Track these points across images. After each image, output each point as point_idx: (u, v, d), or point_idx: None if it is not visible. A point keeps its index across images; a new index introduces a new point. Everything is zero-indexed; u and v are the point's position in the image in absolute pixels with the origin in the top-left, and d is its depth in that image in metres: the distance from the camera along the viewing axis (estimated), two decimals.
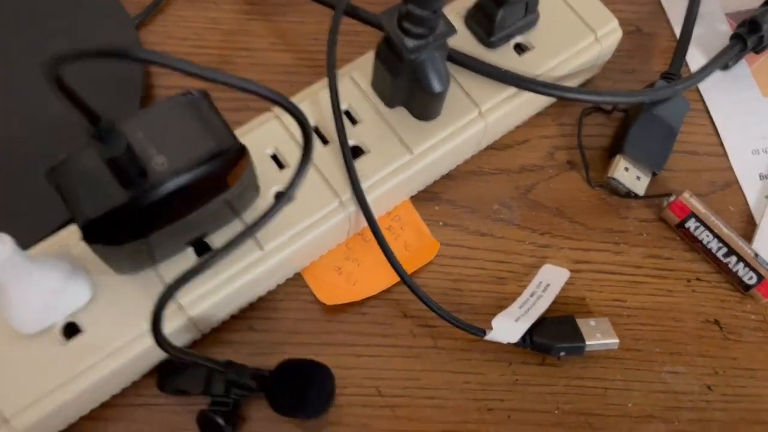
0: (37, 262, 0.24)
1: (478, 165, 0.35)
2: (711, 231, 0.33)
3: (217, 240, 0.28)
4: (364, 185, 0.29)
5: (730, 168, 0.36)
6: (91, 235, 0.23)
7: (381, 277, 0.32)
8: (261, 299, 0.31)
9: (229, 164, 0.24)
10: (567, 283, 0.33)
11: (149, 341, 0.25)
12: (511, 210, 0.34)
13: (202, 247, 0.28)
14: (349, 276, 0.32)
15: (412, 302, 0.32)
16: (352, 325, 0.32)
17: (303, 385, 0.28)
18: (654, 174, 0.35)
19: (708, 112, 0.38)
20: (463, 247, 0.34)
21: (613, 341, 0.31)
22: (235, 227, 0.28)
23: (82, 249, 0.27)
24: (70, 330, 0.26)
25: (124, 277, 0.27)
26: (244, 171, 0.26)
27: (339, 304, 0.31)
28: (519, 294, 0.32)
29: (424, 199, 0.34)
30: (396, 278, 0.32)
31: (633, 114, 0.35)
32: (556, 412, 0.31)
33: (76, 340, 0.26)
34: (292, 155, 0.30)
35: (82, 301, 0.26)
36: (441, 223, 0.34)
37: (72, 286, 0.26)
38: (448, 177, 0.35)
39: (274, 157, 0.30)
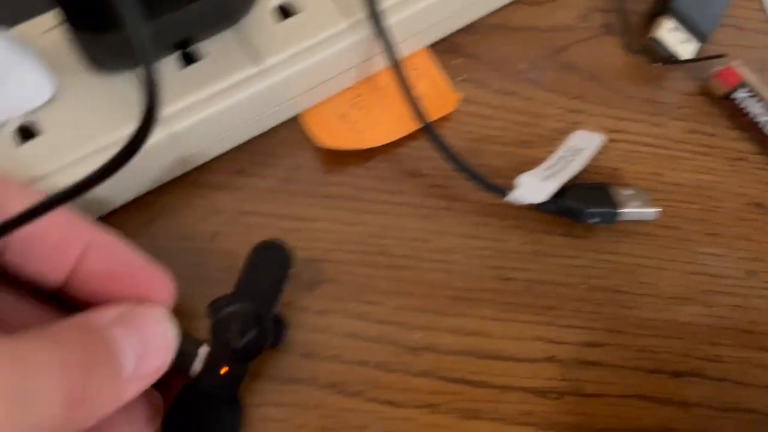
0: None
1: (504, 19, 0.31)
2: (763, 103, 0.29)
3: (206, 49, 0.24)
4: (385, 4, 0.25)
5: None
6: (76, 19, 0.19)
7: (391, 129, 0.28)
8: (252, 142, 0.27)
9: None
10: (600, 153, 0.29)
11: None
12: (539, 70, 0.31)
13: (189, 59, 0.24)
14: (355, 124, 0.28)
15: (425, 159, 0.28)
16: (356, 179, 0.28)
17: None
18: (701, 43, 0.31)
19: None
20: (485, 105, 0.30)
21: (653, 210, 0.27)
22: (227, 37, 0.24)
23: (49, 41, 0.22)
24: (26, 133, 0.22)
25: (94, 80, 0.23)
26: None
27: (341, 150, 0.27)
28: (545, 159, 0.28)
29: (443, 50, 0.30)
30: (408, 130, 0.28)
31: None
32: (582, 286, 0.27)
33: (31, 144, 0.22)
34: None
35: (40, 99, 0.22)
36: (461, 78, 0.30)
37: (29, 77, 0.21)
38: (470, 30, 0.31)
39: None
